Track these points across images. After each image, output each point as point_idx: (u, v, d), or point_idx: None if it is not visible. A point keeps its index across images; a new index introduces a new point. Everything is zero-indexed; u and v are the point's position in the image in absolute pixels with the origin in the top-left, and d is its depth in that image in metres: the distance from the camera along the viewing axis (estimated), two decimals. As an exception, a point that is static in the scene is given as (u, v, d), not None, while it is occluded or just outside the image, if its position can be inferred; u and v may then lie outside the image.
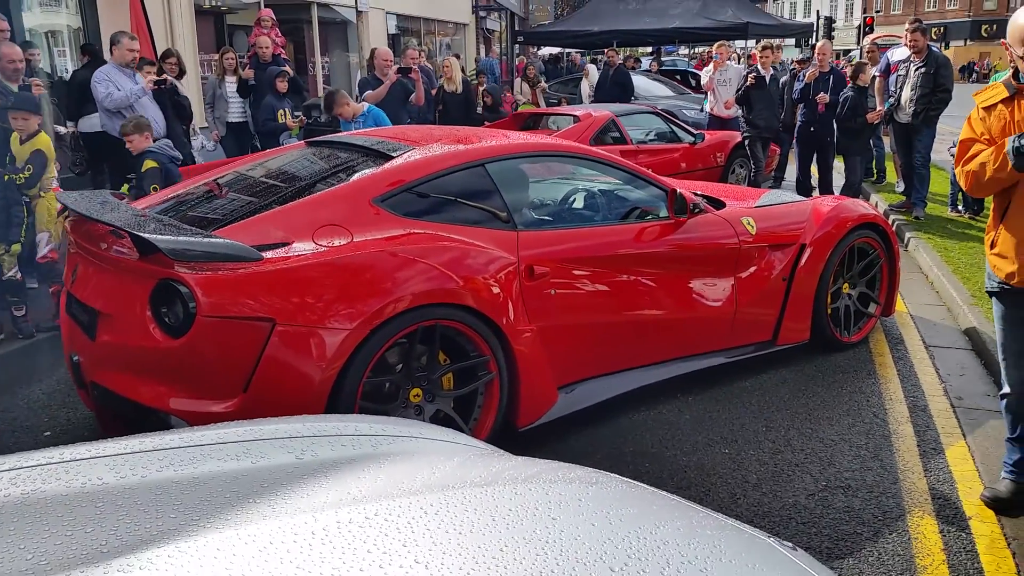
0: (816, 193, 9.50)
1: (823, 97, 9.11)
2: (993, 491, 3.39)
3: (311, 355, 3.12)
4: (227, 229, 3.36)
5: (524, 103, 13.43)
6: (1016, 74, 3.06)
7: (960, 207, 8.97)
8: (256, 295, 3.08)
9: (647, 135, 9.79)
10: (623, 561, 1.32)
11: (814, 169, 9.80)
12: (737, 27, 17.97)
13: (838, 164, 10.23)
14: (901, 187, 9.67)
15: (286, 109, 8.56)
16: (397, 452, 1.85)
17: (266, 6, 12.81)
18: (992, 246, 3.24)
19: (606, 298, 4.10)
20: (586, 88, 13.68)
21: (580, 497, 1.59)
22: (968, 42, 53.09)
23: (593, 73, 13.94)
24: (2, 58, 6.01)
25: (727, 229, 4.62)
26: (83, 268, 3.58)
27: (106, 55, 8.09)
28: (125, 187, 6.24)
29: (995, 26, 48.66)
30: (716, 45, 11.75)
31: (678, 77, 18.45)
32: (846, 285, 5.19)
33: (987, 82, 8.37)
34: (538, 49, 23.88)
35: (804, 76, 9.47)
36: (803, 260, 4.85)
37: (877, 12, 52.02)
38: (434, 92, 10.43)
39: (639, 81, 14.95)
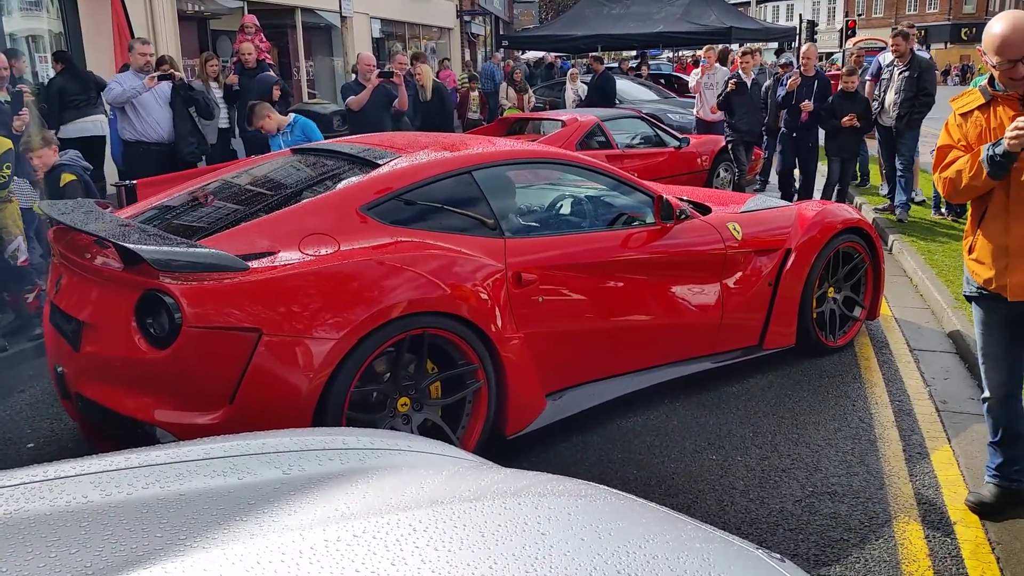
0: (796, 196, 9.52)
1: (807, 105, 9.09)
2: (977, 495, 3.41)
3: (298, 365, 3.11)
4: (212, 238, 3.34)
5: (510, 108, 13.43)
6: (991, 81, 3.09)
7: (943, 209, 9.03)
8: (242, 305, 3.06)
9: (632, 139, 9.82)
10: (613, 577, 1.32)
11: (796, 172, 9.84)
12: (720, 31, 18.04)
13: (822, 167, 10.28)
14: (885, 190, 9.74)
15: None
16: (385, 466, 1.84)
17: (250, 11, 12.78)
18: (970, 251, 3.26)
19: (593, 305, 4.10)
20: (571, 93, 13.70)
21: (569, 511, 1.59)
22: (948, 45, 53.54)
23: (578, 79, 13.96)
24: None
25: (713, 235, 4.63)
26: (67, 278, 3.55)
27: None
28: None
29: (974, 29, 49.06)
30: (704, 49, 11.75)
31: (662, 81, 18.52)
32: (831, 289, 5.22)
33: (967, 86, 8.40)
34: (522, 53, 23.88)
35: (787, 81, 9.44)
36: (789, 265, 4.88)
37: (859, 15, 52.44)
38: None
39: (624, 85, 14.99)
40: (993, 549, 3.15)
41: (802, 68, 9.49)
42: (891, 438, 4.06)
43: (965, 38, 52.33)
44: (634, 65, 19.78)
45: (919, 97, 8.48)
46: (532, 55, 23.95)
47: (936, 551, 3.13)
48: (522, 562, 1.33)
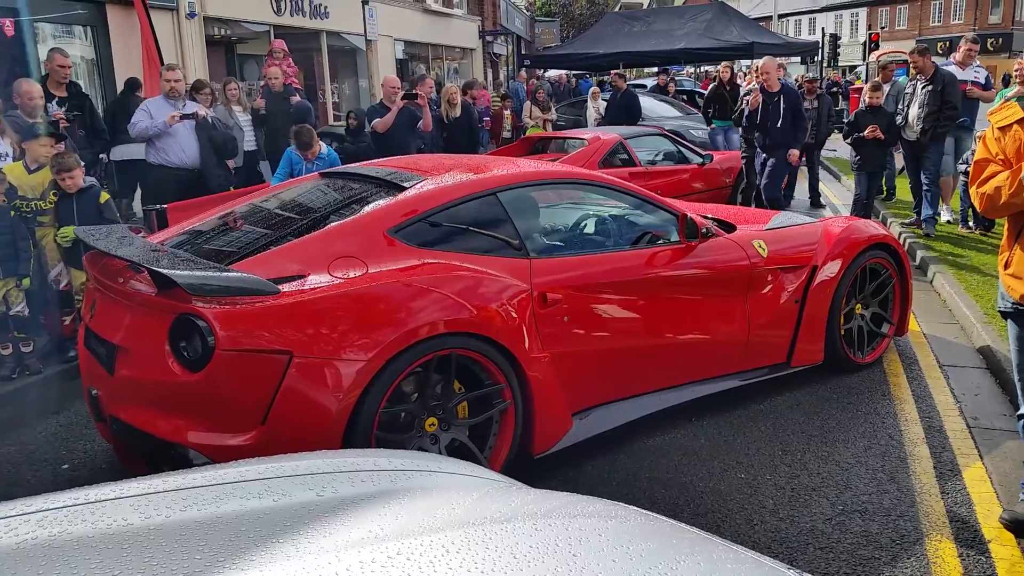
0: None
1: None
2: (1012, 513, 3.37)
3: (328, 386, 3.15)
4: (244, 262, 3.40)
5: (533, 127, 13.50)
6: None
7: (971, 223, 8.95)
8: (273, 328, 3.11)
9: (655, 156, 9.83)
10: (644, 599, 1.33)
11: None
12: (742, 47, 18.07)
13: (848, 182, 10.24)
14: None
15: None
16: (416, 487, 1.86)
17: (276, 35, 12.98)
18: (1006, 266, 3.23)
19: (619, 324, 4.12)
20: (592, 112, 13.74)
21: (600, 532, 1.60)
22: (951, 55, 53.15)
23: (599, 98, 14.00)
24: (23, 95, 6.09)
25: (738, 252, 4.63)
26: (101, 302, 3.62)
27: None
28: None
29: (1000, 40, 48.63)
30: (763, 61, 11.24)
31: (684, 97, 18.54)
32: (859, 306, 5.19)
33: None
34: (544, 72, 24.03)
35: (749, 102, 8.99)
36: (815, 281, 4.86)
37: (883, 28, 52.13)
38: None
39: (646, 102, 15.01)
40: (1028, 568, 3.11)
41: (764, 84, 8.88)
42: (922, 455, 4.03)
43: (991, 48, 51.96)
44: (650, 83, 19.71)
45: (943, 111, 8.44)
46: (552, 73, 24.07)
47: (970, 570, 3.10)
48: (554, 583, 1.34)
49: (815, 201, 11.03)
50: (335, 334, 3.19)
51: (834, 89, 21.84)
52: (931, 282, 7.19)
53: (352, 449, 3.08)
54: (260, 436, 3.12)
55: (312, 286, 3.28)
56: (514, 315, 3.65)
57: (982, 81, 8.74)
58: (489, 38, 25.66)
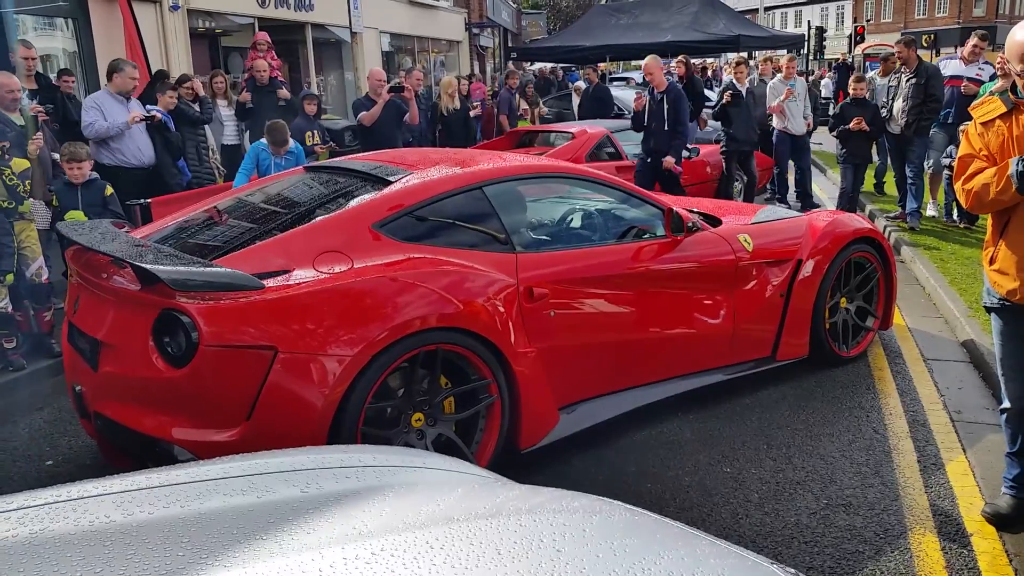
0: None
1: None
2: (994, 507, 3.40)
3: (313, 382, 3.14)
4: (228, 258, 3.38)
5: (521, 120, 13.47)
6: (1014, 88, 3.05)
7: (955, 216, 9.01)
8: (258, 323, 3.10)
9: (642, 150, 9.82)
10: (629, 595, 1.33)
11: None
12: (729, 39, 18.09)
13: (834, 176, 10.28)
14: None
15: (314, 132, 8.56)
16: (401, 483, 1.86)
17: (261, 28, 12.90)
18: (991, 262, 3.23)
19: (605, 318, 4.12)
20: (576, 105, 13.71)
21: (584, 528, 1.60)
22: (957, 49, 53.46)
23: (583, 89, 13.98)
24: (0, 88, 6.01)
25: (724, 246, 4.64)
26: (84, 298, 3.60)
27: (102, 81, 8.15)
28: None
29: (984, 32, 48.96)
30: (788, 58, 10.80)
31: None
32: (843, 299, 5.22)
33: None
34: (530, 64, 23.98)
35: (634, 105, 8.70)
36: (800, 275, 4.88)
37: (868, 21, 52.31)
38: (429, 116, 10.47)
39: (630, 95, 14.99)
40: (1011, 561, 3.14)
41: (649, 83, 8.38)
42: (906, 449, 4.06)
43: (975, 42, 52.15)
44: (637, 76, 19.64)
45: (927, 104, 8.48)
46: (536, 67, 24.00)
47: (953, 563, 3.12)
48: (538, 580, 1.34)
49: (806, 200, 10.52)
50: (320, 329, 3.18)
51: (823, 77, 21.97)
52: (915, 276, 7.23)
53: (337, 445, 3.08)
54: (245, 432, 3.11)
55: (297, 281, 3.27)
56: (500, 310, 3.64)
57: (985, 78, 8.74)
58: (475, 31, 25.57)
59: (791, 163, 10.61)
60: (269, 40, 10.30)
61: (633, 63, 28.06)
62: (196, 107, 8.23)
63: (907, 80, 8.62)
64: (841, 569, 3.08)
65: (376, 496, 1.73)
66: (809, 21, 35.64)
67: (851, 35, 30.33)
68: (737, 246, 4.69)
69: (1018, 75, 2.95)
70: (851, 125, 8.74)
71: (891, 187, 10.43)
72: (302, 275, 3.30)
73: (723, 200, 7.95)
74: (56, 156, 6.79)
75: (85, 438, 4.33)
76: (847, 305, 5.25)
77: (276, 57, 10.51)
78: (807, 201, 10.18)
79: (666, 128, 8.16)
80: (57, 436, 4.57)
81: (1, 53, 8.75)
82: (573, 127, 9.83)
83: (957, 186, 3.22)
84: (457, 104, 10.29)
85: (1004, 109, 3.06)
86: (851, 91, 9.07)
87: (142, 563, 1.37)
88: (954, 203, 8.98)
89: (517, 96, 13.90)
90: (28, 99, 6.77)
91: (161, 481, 1.73)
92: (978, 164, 3.12)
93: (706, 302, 4.56)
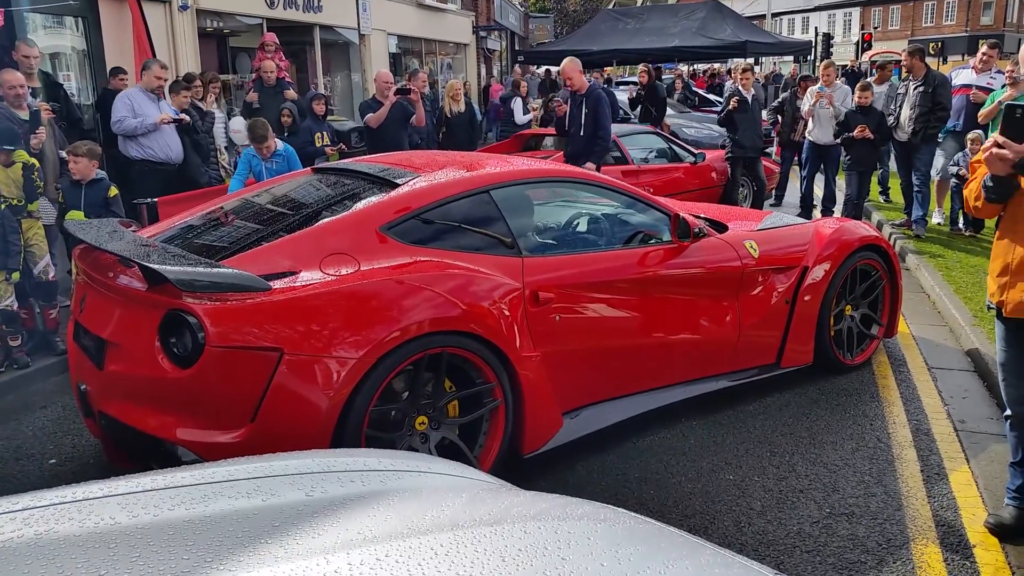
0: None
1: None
2: (997, 517, 3.39)
3: (318, 384, 3.14)
4: (235, 258, 3.38)
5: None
6: None
7: (961, 224, 9.00)
8: (264, 325, 3.10)
9: (648, 155, 9.84)
10: (633, 604, 1.33)
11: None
12: (736, 45, 18.11)
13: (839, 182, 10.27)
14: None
15: (324, 133, 8.57)
16: (406, 488, 1.86)
17: (269, 29, 12.92)
18: (991, 265, 3.30)
19: (610, 323, 4.12)
20: (519, 112, 13.65)
21: (589, 535, 1.60)
22: (965, 57, 53.35)
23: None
24: (3, 84, 6.03)
25: (730, 252, 4.64)
26: (91, 297, 3.61)
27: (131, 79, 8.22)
28: None
29: (994, 41, 48.86)
30: (824, 65, 10.52)
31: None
32: (848, 307, 5.21)
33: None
34: (537, 68, 24.00)
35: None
36: (806, 282, 4.88)
37: (875, 28, 52.29)
38: (435, 119, 10.47)
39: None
40: (1013, 572, 3.13)
41: (569, 87, 7.97)
42: (909, 458, 4.05)
43: (983, 50, 52.04)
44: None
45: (934, 112, 8.47)
46: (542, 70, 24.01)
47: (955, 574, 3.11)
48: (543, 587, 1.34)
49: (809, 207, 10.31)
50: (326, 331, 3.18)
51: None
52: (921, 284, 7.22)
53: (342, 449, 3.08)
54: (249, 433, 3.11)
55: (303, 283, 3.27)
56: (506, 313, 3.65)
57: (996, 87, 8.71)
58: (483, 34, 25.58)
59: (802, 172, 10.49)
60: (277, 41, 10.32)
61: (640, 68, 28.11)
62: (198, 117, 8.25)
63: (915, 88, 8.62)
64: (844, 578, 3.07)
65: (381, 501, 1.73)
66: (816, 28, 35.65)
67: (858, 42, 30.31)
68: (743, 252, 4.68)
69: None
70: (855, 133, 8.74)
71: (896, 194, 10.43)
72: (309, 277, 3.31)
73: (730, 206, 7.95)
74: (63, 154, 6.81)
75: (89, 437, 4.34)
76: (852, 313, 5.25)
77: (284, 58, 10.53)
78: (807, 211, 10.14)
79: (583, 134, 7.77)
80: (61, 435, 4.58)
81: (9, 51, 8.78)
82: (579, 131, 9.81)
83: (965, 191, 3.27)
84: (462, 107, 10.30)
85: None
86: (856, 99, 9.06)
87: (147, 565, 1.38)
88: (960, 212, 8.97)
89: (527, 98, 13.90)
90: (32, 97, 6.81)
91: (166, 483, 1.73)
92: (983, 170, 3.16)
93: (711, 308, 4.56)
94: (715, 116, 11.04)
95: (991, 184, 3.01)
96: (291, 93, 9.30)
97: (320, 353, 3.15)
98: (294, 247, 3.47)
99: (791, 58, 25.51)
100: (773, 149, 13.08)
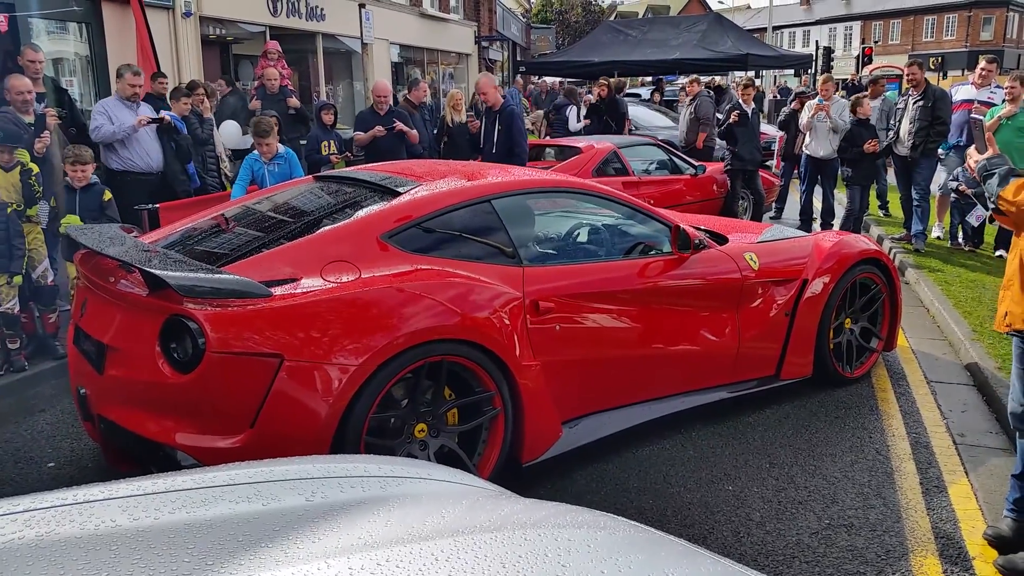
0: None
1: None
2: (996, 529, 3.39)
3: (318, 391, 3.14)
4: (236, 265, 3.39)
5: (531, 134, 13.53)
6: None
7: (960, 239, 9.01)
8: (265, 331, 3.11)
9: (648, 166, 9.86)
10: (633, 611, 1.33)
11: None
12: (737, 58, 18.16)
13: (840, 196, 10.29)
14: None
15: (331, 142, 8.59)
16: (406, 494, 1.86)
17: (272, 37, 12.97)
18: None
19: (610, 333, 4.12)
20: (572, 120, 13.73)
21: (589, 543, 1.60)
22: (965, 72, 53.55)
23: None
24: (11, 90, 6.05)
25: (730, 264, 4.65)
26: (92, 301, 3.61)
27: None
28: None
29: (991, 56, 49.04)
30: (823, 80, 10.45)
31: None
32: (848, 320, 5.22)
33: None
34: (539, 78, 24.08)
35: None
36: (806, 295, 4.88)
37: (876, 42, 52.45)
38: (436, 128, 10.47)
39: (638, 112, 15.05)
40: (1012, 585, 3.13)
41: (484, 102, 7.78)
42: (908, 471, 4.05)
43: (982, 66, 52.17)
44: (644, 92, 19.75)
45: (933, 126, 8.50)
46: (548, 81, 24.11)
47: (954, 586, 3.11)
48: (543, 594, 1.34)
49: (809, 220, 10.35)
50: (326, 338, 3.18)
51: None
52: (920, 298, 7.23)
53: (343, 454, 3.08)
54: (249, 439, 3.11)
55: (304, 290, 3.28)
56: (506, 323, 3.65)
57: (997, 101, 8.74)
58: (485, 44, 25.69)
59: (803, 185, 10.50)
60: (280, 49, 10.35)
61: (640, 79, 28.21)
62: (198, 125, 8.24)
63: (914, 102, 8.65)
64: (842, 590, 3.07)
65: (381, 506, 1.74)
66: (817, 41, 35.77)
67: (859, 56, 30.39)
68: (743, 264, 4.69)
69: None
70: (865, 148, 8.77)
71: (896, 208, 10.45)
72: (310, 284, 3.31)
73: (730, 218, 7.97)
74: None
75: (87, 441, 4.34)
76: (852, 326, 5.25)
77: (287, 66, 10.56)
78: (807, 224, 10.16)
79: (495, 152, 7.59)
80: (59, 438, 4.58)
81: (14, 56, 8.81)
82: (580, 142, 9.85)
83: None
84: (463, 117, 10.32)
85: None
86: (859, 112, 9.08)
87: (148, 568, 1.38)
88: (959, 227, 8.99)
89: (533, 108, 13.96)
90: (37, 103, 6.82)
91: (167, 486, 1.73)
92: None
93: (711, 320, 4.57)
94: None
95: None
96: (293, 101, 9.32)
97: (320, 360, 3.15)
98: (295, 254, 3.48)
99: (792, 71, 25.60)
100: (773, 162, 13.14)
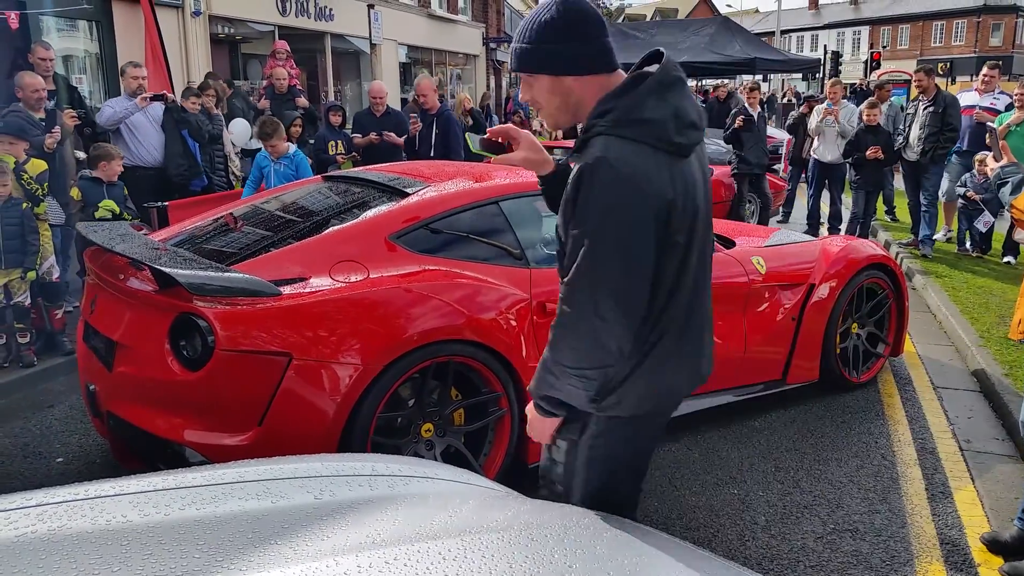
0: None
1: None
2: (993, 534, 3.38)
3: (326, 390, 3.16)
4: (245, 264, 3.41)
5: (539, 136, 13.55)
6: None
7: (968, 245, 9.00)
8: (273, 330, 3.12)
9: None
10: (640, 612, 1.34)
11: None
12: (745, 62, 18.14)
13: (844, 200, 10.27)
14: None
15: (339, 142, 8.61)
16: (413, 493, 1.87)
17: (281, 36, 13.00)
18: None
19: (616, 335, 4.12)
20: None
21: (596, 545, 1.61)
22: (974, 78, 53.38)
23: None
24: (25, 88, 6.09)
25: (737, 268, 4.65)
26: (102, 299, 3.63)
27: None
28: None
29: (1000, 62, 48.96)
30: (831, 83, 10.50)
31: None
32: (855, 325, 5.21)
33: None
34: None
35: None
36: (813, 300, 4.88)
37: (884, 47, 52.32)
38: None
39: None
40: (1017, 592, 3.12)
41: (423, 103, 7.88)
42: (914, 476, 4.04)
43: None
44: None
45: (943, 132, 8.49)
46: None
47: (959, 592, 3.11)
48: (551, 594, 1.35)
49: (816, 224, 10.38)
50: (334, 337, 3.20)
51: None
52: (927, 303, 7.22)
53: (351, 453, 3.09)
54: (257, 437, 3.13)
55: (313, 289, 3.29)
56: (513, 324, 3.66)
57: (1000, 108, 8.73)
58: (493, 45, 25.69)
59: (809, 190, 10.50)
60: (288, 49, 10.37)
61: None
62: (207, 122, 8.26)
63: (924, 108, 8.64)
64: (847, 595, 3.07)
65: (389, 505, 1.75)
66: (825, 46, 35.70)
67: (867, 61, 30.37)
68: (750, 268, 4.69)
69: None
70: (868, 154, 8.75)
71: (903, 213, 10.43)
72: (318, 283, 3.33)
73: (736, 222, 7.96)
74: (80, 155, 6.84)
75: (96, 436, 4.36)
76: (858, 331, 5.25)
77: (295, 66, 10.58)
78: (814, 228, 10.16)
79: (432, 155, 7.61)
80: (68, 434, 4.60)
81: (24, 53, 8.85)
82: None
83: None
84: (470, 120, 10.34)
85: None
86: (864, 118, 9.08)
87: (158, 563, 1.39)
88: (967, 232, 8.97)
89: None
90: (48, 99, 6.85)
91: (177, 483, 1.75)
92: None
93: (717, 323, 4.55)
94: (722, 132, 11.04)
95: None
96: (302, 101, 9.34)
97: (328, 359, 3.16)
98: (304, 253, 3.49)
99: (799, 75, 25.58)
100: (780, 166, 13.12)
